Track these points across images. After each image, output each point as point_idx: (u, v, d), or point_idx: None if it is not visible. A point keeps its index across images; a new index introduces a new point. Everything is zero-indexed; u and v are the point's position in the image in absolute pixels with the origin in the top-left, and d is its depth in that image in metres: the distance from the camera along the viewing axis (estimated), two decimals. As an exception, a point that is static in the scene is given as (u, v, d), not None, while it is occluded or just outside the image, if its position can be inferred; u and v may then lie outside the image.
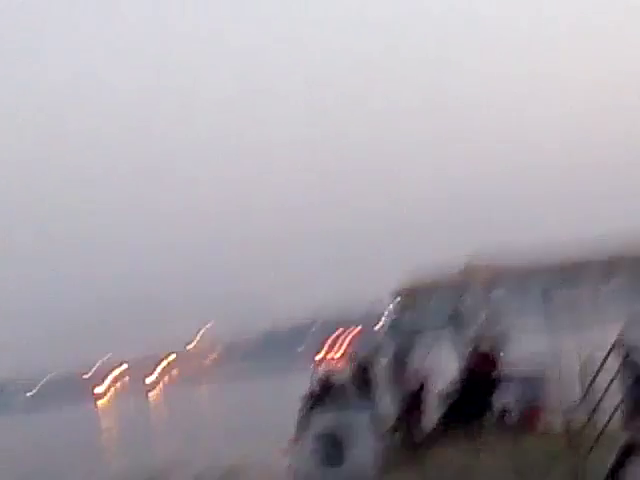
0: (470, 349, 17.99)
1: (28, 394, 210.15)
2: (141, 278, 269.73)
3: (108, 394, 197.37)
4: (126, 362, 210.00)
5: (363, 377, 18.31)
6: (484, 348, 18.40)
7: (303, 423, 18.05)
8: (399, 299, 16.22)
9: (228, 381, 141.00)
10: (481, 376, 18.18)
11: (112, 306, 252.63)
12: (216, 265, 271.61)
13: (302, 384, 18.65)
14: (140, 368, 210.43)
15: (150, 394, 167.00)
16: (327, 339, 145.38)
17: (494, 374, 18.19)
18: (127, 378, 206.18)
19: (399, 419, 17.81)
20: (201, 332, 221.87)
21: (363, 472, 16.80)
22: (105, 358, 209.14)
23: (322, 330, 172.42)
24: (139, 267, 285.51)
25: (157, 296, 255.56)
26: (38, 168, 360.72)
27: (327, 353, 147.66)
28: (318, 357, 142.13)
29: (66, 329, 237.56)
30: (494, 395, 18.17)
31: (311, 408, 18.11)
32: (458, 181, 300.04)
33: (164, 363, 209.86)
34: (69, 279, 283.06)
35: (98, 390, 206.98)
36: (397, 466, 16.71)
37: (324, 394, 18.30)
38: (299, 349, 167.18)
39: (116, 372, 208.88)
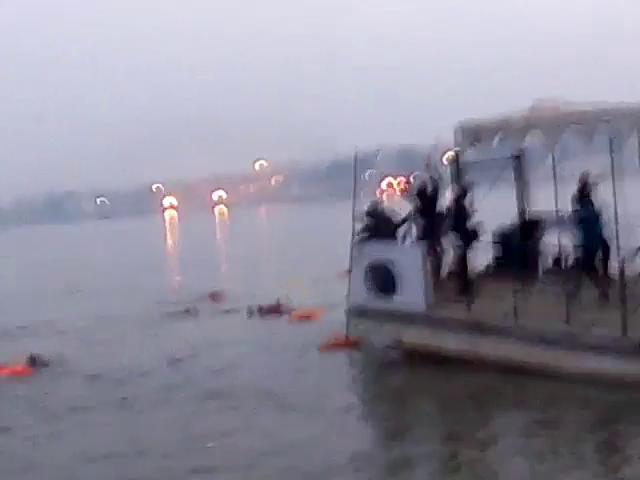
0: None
1: (98, 201, 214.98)
2: (210, 96, 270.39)
3: (175, 208, 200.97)
4: (193, 179, 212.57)
5: (421, 211, 18.20)
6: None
7: (358, 252, 18.13)
8: (462, 135, 15.85)
9: (291, 203, 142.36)
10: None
11: (180, 125, 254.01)
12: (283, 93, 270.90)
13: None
14: (207, 185, 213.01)
15: (215, 211, 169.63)
16: (390, 170, 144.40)
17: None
18: (194, 194, 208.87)
19: (456, 255, 17.78)
20: (267, 155, 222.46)
21: (414, 304, 16.94)
22: (171, 175, 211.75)
23: (387, 160, 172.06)
24: (210, 85, 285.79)
25: (225, 116, 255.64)
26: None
27: (389, 184, 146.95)
28: (380, 186, 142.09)
29: (133, 146, 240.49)
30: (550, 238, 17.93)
31: (367, 238, 18.14)
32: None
33: (230, 182, 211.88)
34: (136, 96, 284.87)
35: (165, 203, 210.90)
36: (447, 301, 16.80)
37: (380, 225, 18.27)
38: (364, 176, 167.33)
39: (182, 188, 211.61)
